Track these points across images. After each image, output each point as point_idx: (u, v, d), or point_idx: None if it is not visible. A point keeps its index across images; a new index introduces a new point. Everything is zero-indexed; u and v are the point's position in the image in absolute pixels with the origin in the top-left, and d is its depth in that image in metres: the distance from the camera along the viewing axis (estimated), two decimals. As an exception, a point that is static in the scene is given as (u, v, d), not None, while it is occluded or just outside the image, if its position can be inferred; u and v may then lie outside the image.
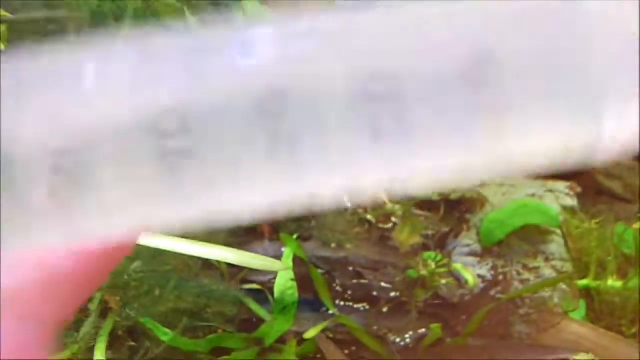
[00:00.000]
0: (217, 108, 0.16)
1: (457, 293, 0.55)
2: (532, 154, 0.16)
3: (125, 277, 0.49)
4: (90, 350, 0.47)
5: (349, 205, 0.54)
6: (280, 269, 0.51)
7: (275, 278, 0.52)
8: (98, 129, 0.16)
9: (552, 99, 0.16)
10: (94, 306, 0.49)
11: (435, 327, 0.51)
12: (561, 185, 0.60)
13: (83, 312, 0.49)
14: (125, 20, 0.56)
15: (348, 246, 0.56)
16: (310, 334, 0.50)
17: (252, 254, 0.49)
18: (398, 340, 0.53)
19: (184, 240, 0.46)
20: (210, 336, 0.50)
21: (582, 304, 0.55)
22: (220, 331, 0.52)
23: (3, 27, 0.53)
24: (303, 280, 0.53)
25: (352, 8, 0.16)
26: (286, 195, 0.16)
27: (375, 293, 0.55)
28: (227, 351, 0.50)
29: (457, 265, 0.56)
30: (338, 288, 0.55)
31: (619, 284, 0.55)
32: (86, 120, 0.16)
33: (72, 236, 0.16)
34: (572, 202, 0.59)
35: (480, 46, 0.15)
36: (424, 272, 0.55)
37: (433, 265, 0.55)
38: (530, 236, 0.57)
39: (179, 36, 0.16)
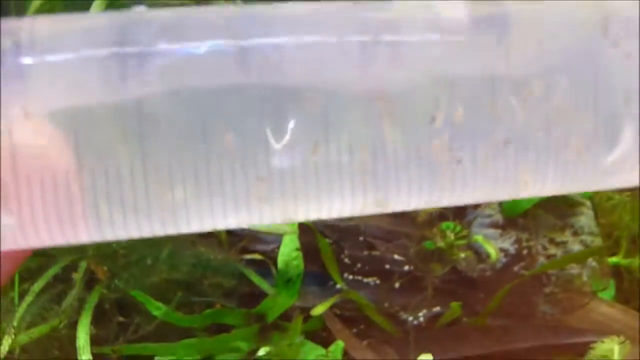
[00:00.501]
0: None
1: (477, 268, 0.51)
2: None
3: (114, 244, 0.45)
4: (73, 325, 0.43)
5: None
6: (286, 232, 0.47)
7: (278, 247, 0.48)
8: None
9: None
10: (78, 276, 0.44)
11: (455, 305, 0.47)
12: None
13: (66, 282, 0.45)
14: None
15: (359, 214, 0.51)
16: (318, 310, 0.46)
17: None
18: (411, 318, 0.50)
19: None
20: (207, 311, 0.47)
21: (612, 283, 0.51)
22: (218, 306, 0.48)
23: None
24: (309, 250, 0.49)
25: None
26: None
27: (387, 266, 0.51)
28: (226, 328, 0.47)
29: (478, 238, 0.51)
30: (347, 260, 0.51)
31: (651, 262, 0.51)
32: None
33: None
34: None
35: None
36: (441, 244, 0.50)
37: (451, 237, 0.51)
38: (557, 207, 0.53)
39: None
